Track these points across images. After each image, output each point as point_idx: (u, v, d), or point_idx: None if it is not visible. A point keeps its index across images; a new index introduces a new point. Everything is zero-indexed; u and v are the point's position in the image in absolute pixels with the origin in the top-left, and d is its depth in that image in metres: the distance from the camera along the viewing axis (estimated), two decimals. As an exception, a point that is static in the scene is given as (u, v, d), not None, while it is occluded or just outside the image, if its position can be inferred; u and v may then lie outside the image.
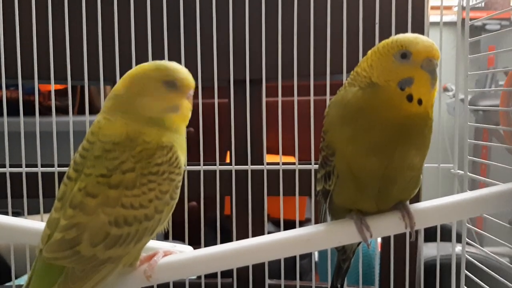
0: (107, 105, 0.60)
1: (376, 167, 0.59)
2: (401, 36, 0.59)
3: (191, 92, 0.61)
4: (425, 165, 0.65)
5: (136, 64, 0.63)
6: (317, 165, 0.70)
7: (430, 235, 1.03)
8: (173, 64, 0.60)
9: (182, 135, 0.61)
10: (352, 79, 0.62)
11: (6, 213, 0.82)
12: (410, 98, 0.57)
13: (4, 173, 0.98)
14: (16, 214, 0.88)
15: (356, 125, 0.59)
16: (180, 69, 0.60)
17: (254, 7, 0.98)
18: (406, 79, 0.57)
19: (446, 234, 0.99)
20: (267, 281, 1.03)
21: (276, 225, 1.58)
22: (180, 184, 0.60)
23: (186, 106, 0.61)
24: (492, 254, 0.93)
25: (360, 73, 0.61)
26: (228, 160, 1.10)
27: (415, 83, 0.57)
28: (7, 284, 1.14)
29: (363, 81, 0.60)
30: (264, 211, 1.03)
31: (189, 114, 0.62)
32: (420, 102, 0.57)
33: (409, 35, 0.59)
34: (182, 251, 0.65)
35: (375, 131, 0.58)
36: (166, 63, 0.60)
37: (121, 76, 0.61)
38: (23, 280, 1.19)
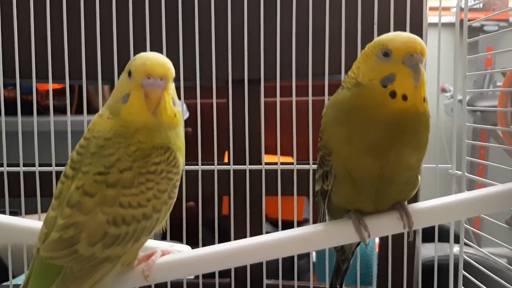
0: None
1: (371, 168, 0.59)
2: (383, 35, 0.60)
3: (151, 80, 0.55)
4: (423, 165, 0.65)
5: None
6: (315, 165, 0.70)
7: (428, 235, 1.03)
8: (142, 54, 0.57)
9: (180, 135, 0.60)
10: (344, 81, 0.63)
11: (4, 212, 0.82)
12: (393, 94, 0.57)
13: (2, 172, 0.98)
14: (13, 213, 0.88)
15: (349, 126, 0.59)
16: (139, 58, 0.56)
17: (253, 7, 0.98)
18: (388, 76, 0.57)
19: (444, 234, 0.99)
20: (265, 281, 1.03)
21: (274, 225, 1.58)
22: (178, 183, 0.60)
23: (138, 96, 0.56)
24: (490, 255, 0.93)
25: (349, 75, 0.62)
26: (226, 160, 1.10)
27: (397, 79, 0.57)
28: (5, 283, 1.14)
29: (351, 82, 0.61)
30: (262, 211, 1.03)
31: (145, 105, 0.55)
32: (404, 97, 0.57)
33: (390, 34, 0.60)
34: (180, 251, 0.65)
35: (368, 131, 0.58)
36: (141, 54, 0.58)
37: (119, 75, 0.61)
38: (20, 279, 1.19)
